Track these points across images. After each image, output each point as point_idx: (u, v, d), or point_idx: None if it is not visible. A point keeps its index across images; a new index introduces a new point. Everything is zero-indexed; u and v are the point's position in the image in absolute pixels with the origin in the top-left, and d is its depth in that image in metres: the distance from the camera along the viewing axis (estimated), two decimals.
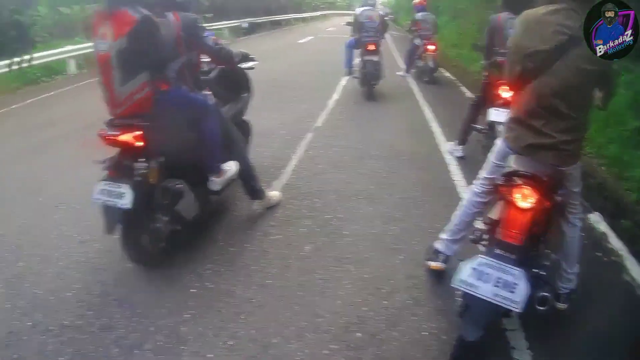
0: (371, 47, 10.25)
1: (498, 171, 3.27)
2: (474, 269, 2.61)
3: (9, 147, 7.73)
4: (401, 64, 14.53)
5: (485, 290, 2.55)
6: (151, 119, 3.75)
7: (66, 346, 3.42)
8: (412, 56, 12.93)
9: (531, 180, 2.83)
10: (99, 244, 4.60)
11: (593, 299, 3.83)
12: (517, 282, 2.54)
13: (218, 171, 4.45)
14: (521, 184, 2.81)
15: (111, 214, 3.67)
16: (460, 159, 6.68)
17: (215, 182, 4.42)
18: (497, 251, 2.72)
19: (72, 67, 15.47)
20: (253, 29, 30.34)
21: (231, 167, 4.59)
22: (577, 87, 2.91)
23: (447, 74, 14.41)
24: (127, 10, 3.54)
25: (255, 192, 5.00)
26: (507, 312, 2.89)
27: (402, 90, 12.03)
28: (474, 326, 2.74)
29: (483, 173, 3.53)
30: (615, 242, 4.72)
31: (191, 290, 4.00)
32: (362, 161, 6.77)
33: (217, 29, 24.90)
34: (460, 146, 6.80)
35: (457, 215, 3.77)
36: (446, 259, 3.89)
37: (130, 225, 3.84)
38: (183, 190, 4.16)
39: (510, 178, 2.90)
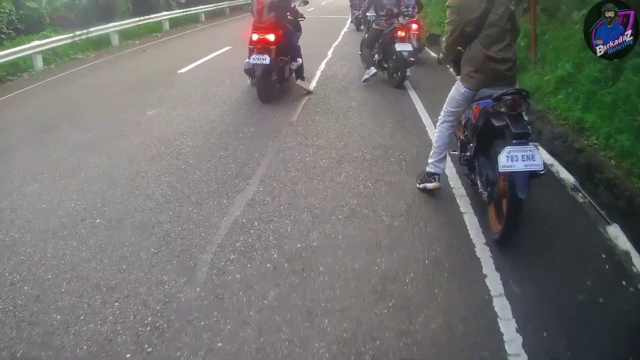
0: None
1: (463, 105, 4.54)
2: (507, 156, 3.61)
3: None
4: None
5: (519, 166, 3.60)
6: (275, 30, 8.05)
7: None
8: None
9: (515, 93, 3.81)
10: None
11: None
12: (534, 153, 3.62)
13: (294, 60, 8.79)
14: (514, 97, 3.78)
15: (258, 68, 7.85)
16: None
17: (294, 64, 8.80)
18: (514, 140, 3.68)
19: (38, 62, 14.46)
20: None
21: (299, 61, 8.88)
22: (506, 28, 4.17)
23: (434, 54, 13.54)
24: None
25: (302, 77, 9.09)
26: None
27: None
28: (523, 187, 3.60)
29: (449, 107, 4.63)
30: None
31: (127, 356, 3.07)
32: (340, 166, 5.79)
33: (190, 14, 23.98)
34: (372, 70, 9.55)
35: (436, 141, 4.79)
36: (439, 178, 4.87)
37: (264, 75, 7.97)
38: (286, 61, 8.66)
39: (501, 97, 3.83)
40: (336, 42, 14.92)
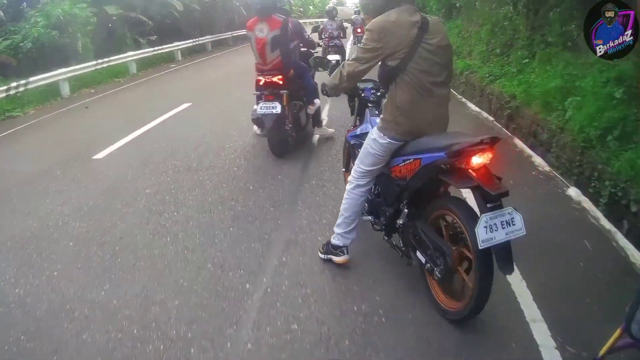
0: None
1: (383, 161, 3.38)
2: (485, 227, 2.66)
3: None
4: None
5: (501, 236, 2.68)
6: (284, 71, 6.26)
7: None
8: None
9: (487, 142, 2.75)
10: None
11: None
12: (513, 216, 2.72)
13: (311, 103, 6.98)
14: (483, 149, 2.75)
15: (268, 118, 6.18)
16: None
17: (310, 109, 7.00)
18: (489, 205, 2.74)
19: None
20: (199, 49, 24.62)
21: (317, 103, 7.06)
22: (440, 62, 3.12)
23: (453, 92, 9.73)
24: (274, 15, 6.08)
25: (319, 122, 7.41)
26: None
27: None
28: (508, 261, 2.75)
29: (363, 166, 3.46)
30: None
31: None
32: None
33: (163, 53, 19.97)
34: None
35: (346, 209, 3.64)
36: (348, 250, 3.78)
37: (276, 126, 6.25)
38: (300, 106, 6.94)
39: (465, 150, 2.76)
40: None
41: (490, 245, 2.68)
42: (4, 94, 12.09)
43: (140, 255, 4.23)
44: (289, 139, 6.59)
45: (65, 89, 14.05)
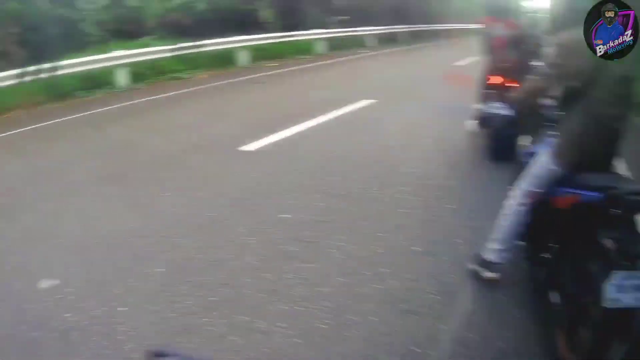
0: None
1: (545, 188, 3.01)
2: (616, 285, 2.24)
3: None
4: None
5: (628, 301, 2.25)
6: (519, 72, 5.32)
7: None
8: None
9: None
10: None
11: None
12: None
13: None
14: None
15: (497, 119, 4.79)
16: None
17: None
18: (625, 263, 2.30)
19: (121, 78, 10.40)
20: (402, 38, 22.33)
21: None
22: (619, 93, 2.75)
23: None
24: (511, 19, 6.30)
25: None
26: None
27: None
28: None
29: (525, 185, 3.13)
30: None
31: None
32: None
33: (352, 37, 18.23)
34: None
35: (504, 225, 3.25)
36: (499, 268, 3.38)
37: (503, 129, 5.15)
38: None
39: (624, 197, 2.39)
40: None
41: (617, 307, 2.25)
42: (169, 54, 11.69)
43: None
44: (512, 145, 5.97)
45: (243, 58, 13.21)
